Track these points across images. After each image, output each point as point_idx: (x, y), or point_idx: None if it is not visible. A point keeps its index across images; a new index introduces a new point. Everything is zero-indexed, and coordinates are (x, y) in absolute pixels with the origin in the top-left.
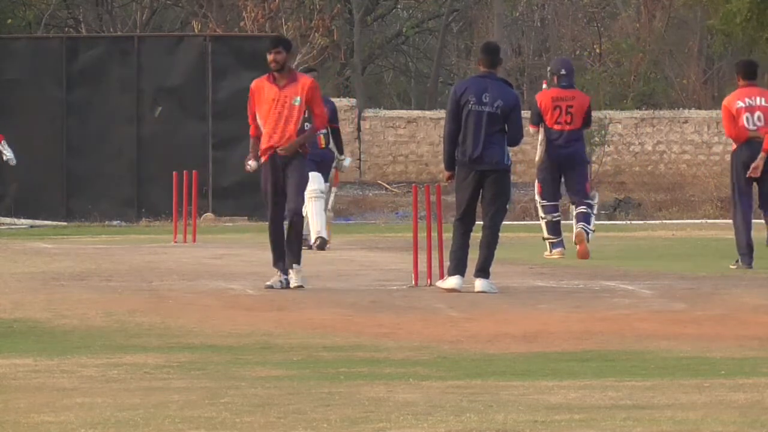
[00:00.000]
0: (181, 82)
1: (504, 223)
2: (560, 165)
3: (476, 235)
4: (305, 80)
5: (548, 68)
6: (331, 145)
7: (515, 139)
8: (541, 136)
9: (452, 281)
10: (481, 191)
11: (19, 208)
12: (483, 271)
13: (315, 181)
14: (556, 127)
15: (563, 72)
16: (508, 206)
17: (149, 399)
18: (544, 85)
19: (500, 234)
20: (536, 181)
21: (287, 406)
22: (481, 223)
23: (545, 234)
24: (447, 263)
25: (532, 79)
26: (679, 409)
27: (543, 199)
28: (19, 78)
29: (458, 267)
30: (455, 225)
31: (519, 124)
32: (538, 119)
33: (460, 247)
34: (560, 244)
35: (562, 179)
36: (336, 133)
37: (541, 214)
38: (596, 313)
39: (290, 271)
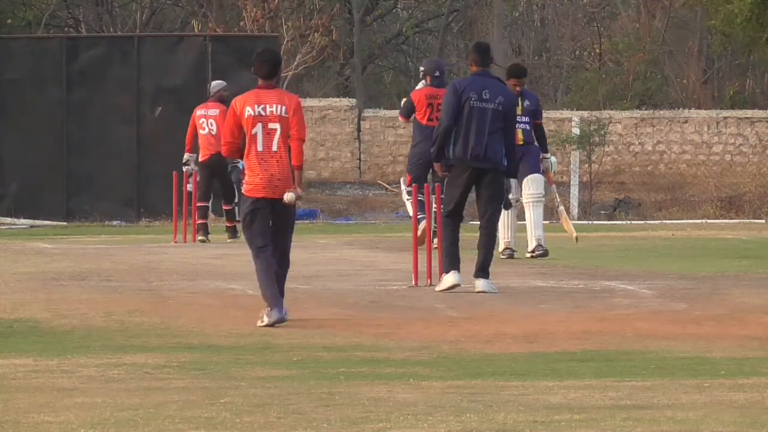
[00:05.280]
0: (181, 82)
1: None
2: (430, 161)
3: (470, 236)
4: None
5: (421, 68)
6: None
7: (511, 142)
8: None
9: (450, 278)
10: (475, 190)
11: (19, 208)
12: (483, 271)
13: (536, 184)
14: (429, 123)
15: (437, 74)
16: (502, 207)
17: (149, 399)
18: (420, 84)
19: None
20: (406, 173)
21: (287, 406)
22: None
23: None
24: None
25: (532, 79)
26: (679, 409)
27: (410, 188)
28: (19, 78)
29: (453, 262)
30: (445, 222)
31: (514, 127)
32: (408, 113)
33: (453, 242)
34: (423, 219)
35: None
36: (540, 130)
37: (405, 197)
38: (596, 313)
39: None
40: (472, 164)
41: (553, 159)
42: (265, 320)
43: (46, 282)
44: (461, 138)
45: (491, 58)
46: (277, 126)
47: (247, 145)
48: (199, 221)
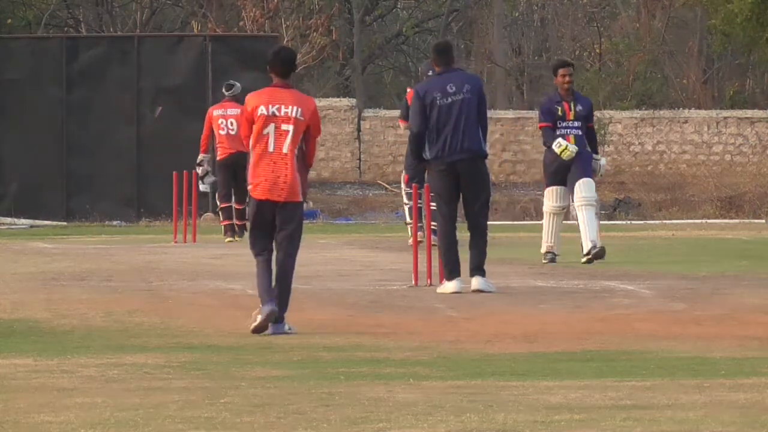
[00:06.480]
0: (181, 82)
1: (504, 222)
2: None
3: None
4: None
5: (420, 69)
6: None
7: (485, 127)
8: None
9: (452, 285)
10: (460, 185)
11: (19, 208)
12: (478, 270)
13: (588, 187)
14: None
15: (430, 73)
16: (489, 203)
17: (149, 399)
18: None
19: (502, 234)
20: (403, 172)
21: (287, 406)
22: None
23: (408, 219)
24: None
25: (532, 79)
26: (679, 409)
27: (408, 188)
28: (19, 78)
29: (455, 270)
30: (440, 223)
31: (485, 108)
32: (407, 115)
33: (451, 247)
34: (421, 228)
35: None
36: (591, 132)
37: (405, 200)
38: (596, 313)
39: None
40: (451, 157)
41: (602, 161)
42: (258, 320)
43: (46, 282)
44: (437, 137)
45: (452, 57)
46: (290, 128)
47: (254, 145)
48: (225, 222)
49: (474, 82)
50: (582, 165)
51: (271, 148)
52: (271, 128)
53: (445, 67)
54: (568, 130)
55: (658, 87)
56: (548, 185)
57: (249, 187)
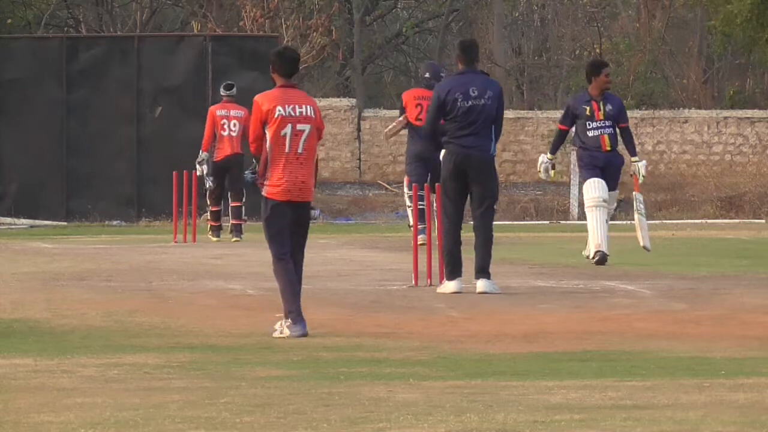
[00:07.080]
0: (181, 82)
1: (503, 222)
2: (426, 159)
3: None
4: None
5: (419, 70)
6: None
7: (499, 132)
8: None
9: (452, 285)
10: (468, 186)
11: (19, 208)
12: (483, 272)
13: (598, 188)
14: (417, 123)
15: (427, 75)
16: (495, 206)
17: (149, 399)
18: None
19: (502, 234)
20: (405, 175)
21: (287, 406)
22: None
23: (411, 222)
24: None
25: (532, 79)
26: (679, 409)
27: (410, 191)
28: (19, 78)
29: (456, 269)
30: (444, 222)
31: (501, 118)
32: (401, 113)
33: (453, 247)
34: (423, 231)
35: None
36: (626, 133)
37: (408, 203)
38: (596, 313)
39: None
40: (462, 159)
41: (641, 163)
42: (285, 332)
43: (46, 282)
44: (452, 138)
45: (476, 56)
46: (306, 127)
47: (272, 146)
48: (214, 224)
49: (495, 89)
50: (610, 175)
51: (287, 149)
52: (288, 129)
53: (469, 66)
54: (601, 130)
55: (659, 87)
56: (585, 178)
57: (265, 189)
